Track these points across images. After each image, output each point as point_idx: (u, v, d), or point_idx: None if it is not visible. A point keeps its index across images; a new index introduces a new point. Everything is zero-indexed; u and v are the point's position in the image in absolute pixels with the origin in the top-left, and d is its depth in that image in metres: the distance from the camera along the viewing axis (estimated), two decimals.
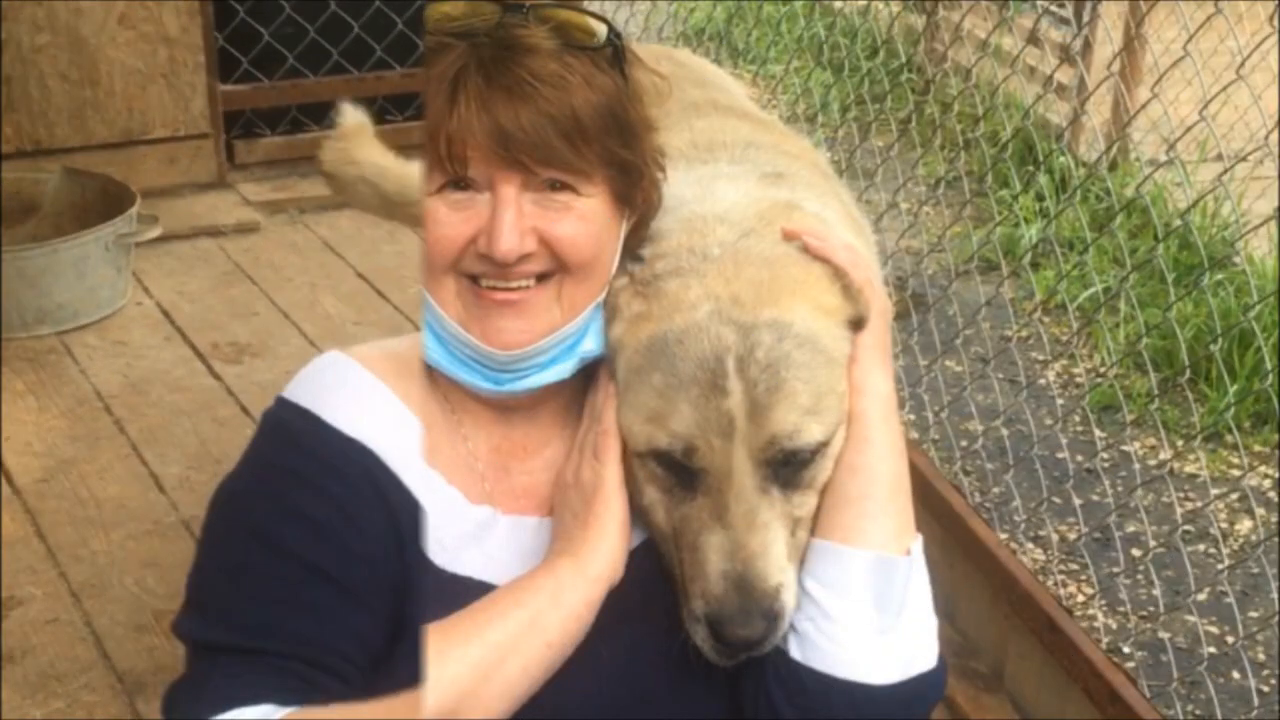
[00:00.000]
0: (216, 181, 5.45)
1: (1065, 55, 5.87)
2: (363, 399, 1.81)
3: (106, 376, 4.34)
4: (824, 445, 1.82)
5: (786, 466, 1.81)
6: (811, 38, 6.63)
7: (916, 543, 1.87)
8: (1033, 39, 5.08)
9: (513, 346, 1.78)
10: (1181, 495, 4.57)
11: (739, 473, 1.78)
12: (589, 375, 1.91)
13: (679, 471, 1.81)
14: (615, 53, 1.81)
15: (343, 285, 4.95)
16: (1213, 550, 4.45)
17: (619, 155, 1.79)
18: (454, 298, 1.78)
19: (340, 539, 1.72)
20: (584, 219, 1.77)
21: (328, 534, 1.71)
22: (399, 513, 1.76)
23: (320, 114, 5.49)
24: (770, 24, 7.11)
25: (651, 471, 1.83)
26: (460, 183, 1.74)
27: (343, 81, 5.56)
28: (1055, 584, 4.06)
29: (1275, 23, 3.08)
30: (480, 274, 1.76)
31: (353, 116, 3.13)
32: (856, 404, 1.86)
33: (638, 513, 1.87)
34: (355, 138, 3.10)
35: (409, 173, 3.01)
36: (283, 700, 1.63)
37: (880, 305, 1.90)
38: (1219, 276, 5.13)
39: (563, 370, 1.84)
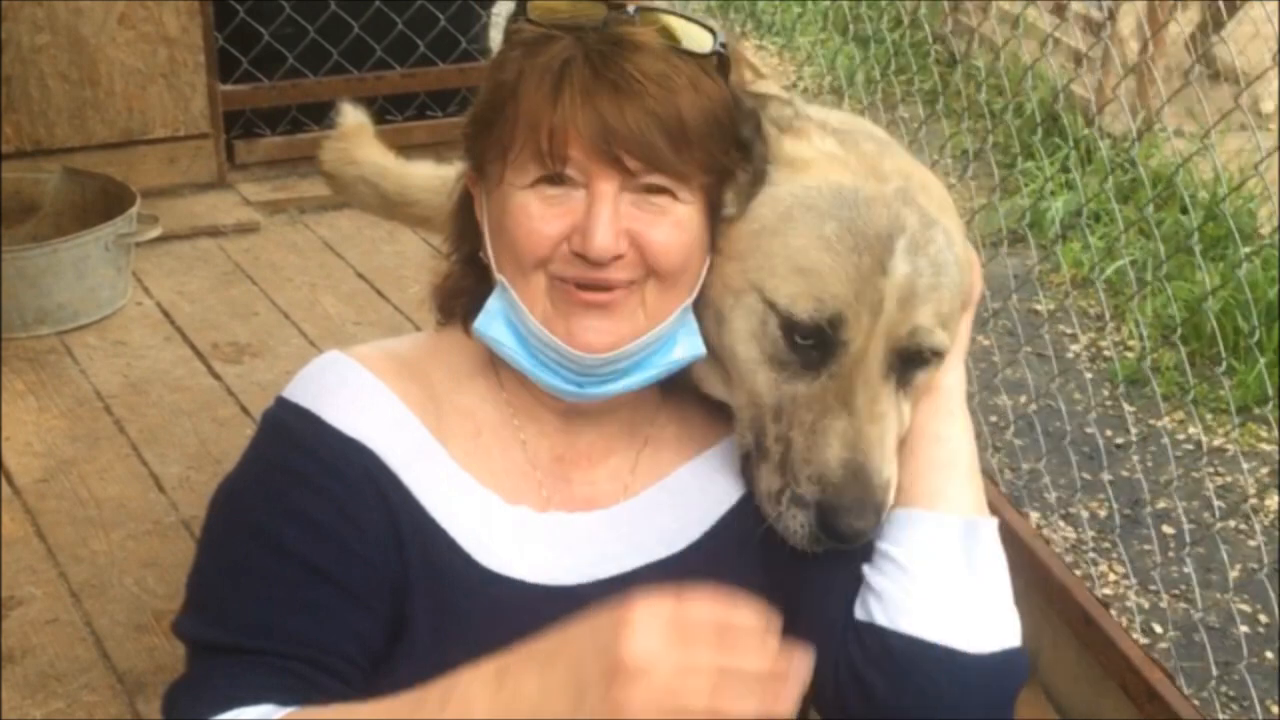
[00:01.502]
0: (216, 181, 5.45)
1: (1088, 26, 5.85)
2: (363, 399, 1.80)
3: (106, 376, 4.36)
4: (939, 358, 1.83)
5: (908, 364, 1.81)
6: (838, 11, 6.67)
7: (990, 523, 1.84)
8: (1058, 10, 5.19)
9: (598, 349, 1.75)
10: (1211, 470, 4.53)
11: (873, 358, 1.78)
12: (662, 388, 1.91)
13: (804, 347, 1.79)
14: (721, 61, 1.81)
15: (343, 285, 4.97)
16: (1244, 526, 4.38)
17: (720, 161, 1.78)
18: (542, 295, 1.76)
19: (340, 539, 1.70)
20: (679, 226, 1.75)
21: (327, 534, 1.70)
22: (399, 513, 1.75)
23: (320, 114, 5.49)
24: None
25: (770, 335, 1.79)
26: (557, 178, 1.72)
27: (343, 81, 5.56)
28: (1087, 562, 4.03)
29: None
30: (569, 279, 1.74)
31: (353, 116, 3.13)
32: (943, 377, 1.86)
33: (728, 356, 1.84)
34: (355, 138, 3.10)
35: (409, 173, 3.01)
36: (283, 700, 1.62)
37: (979, 292, 1.92)
38: (1246, 249, 5.03)
39: (645, 378, 1.82)
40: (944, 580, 1.78)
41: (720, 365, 1.86)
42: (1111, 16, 5.54)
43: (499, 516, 1.81)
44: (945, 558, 1.78)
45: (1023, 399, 4.52)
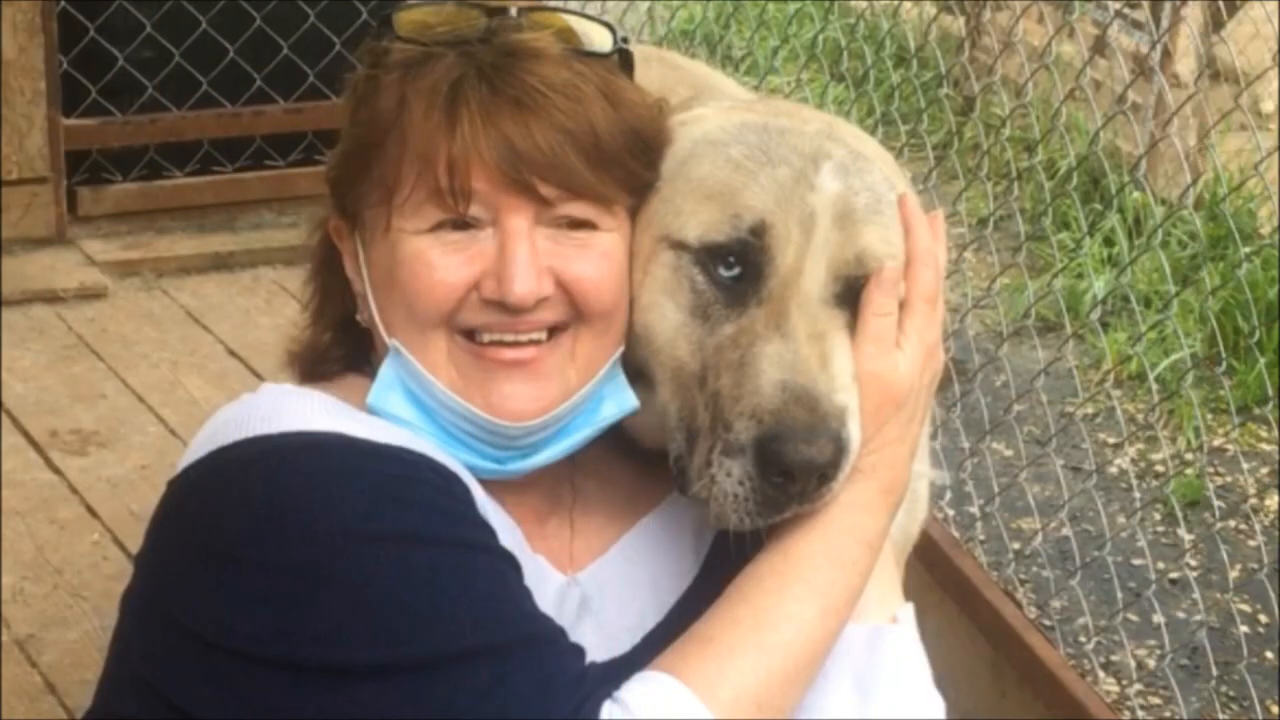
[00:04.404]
0: (55, 237, 5.41)
1: (1139, 66, 5.90)
2: (375, 425, 1.86)
3: None
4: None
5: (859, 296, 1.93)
6: (827, 43, 6.80)
7: (905, 610, 1.96)
8: (1099, 47, 5.35)
9: (523, 416, 1.83)
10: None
11: (809, 279, 1.87)
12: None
13: (727, 281, 1.88)
14: (625, 59, 1.90)
15: (210, 363, 4.93)
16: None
17: (643, 178, 1.87)
18: (446, 360, 1.83)
19: (474, 519, 1.81)
20: (607, 257, 1.84)
21: (455, 512, 1.81)
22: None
23: (184, 156, 5.46)
24: (775, 26, 7.12)
25: (687, 280, 1.89)
26: (460, 222, 1.80)
27: (213, 117, 5.54)
28: None
29: None
30: (480, 326, 1.81)
31: None
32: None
33: (650, 351, 1.94)
34: None
35: None
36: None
37: (925, 290, 1.98)
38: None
39: (575, 442, 1.90)
40: (825, 703, 1.87)
41: (643, 376, 1.96)
42: (1167, 54, 5.76)
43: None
44: (829, 675, 1.88)
45: (1054, 523, 4.56)
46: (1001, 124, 5.83)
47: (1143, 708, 4.25)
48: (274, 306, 5.16)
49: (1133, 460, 5.36)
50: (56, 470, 4.34)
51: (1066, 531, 4.33)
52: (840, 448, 1.84)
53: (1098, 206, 6.18)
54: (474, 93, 1.79)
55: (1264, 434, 5.21)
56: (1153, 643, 4.45)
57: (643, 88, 1.96)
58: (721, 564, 1.96)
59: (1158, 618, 4.28)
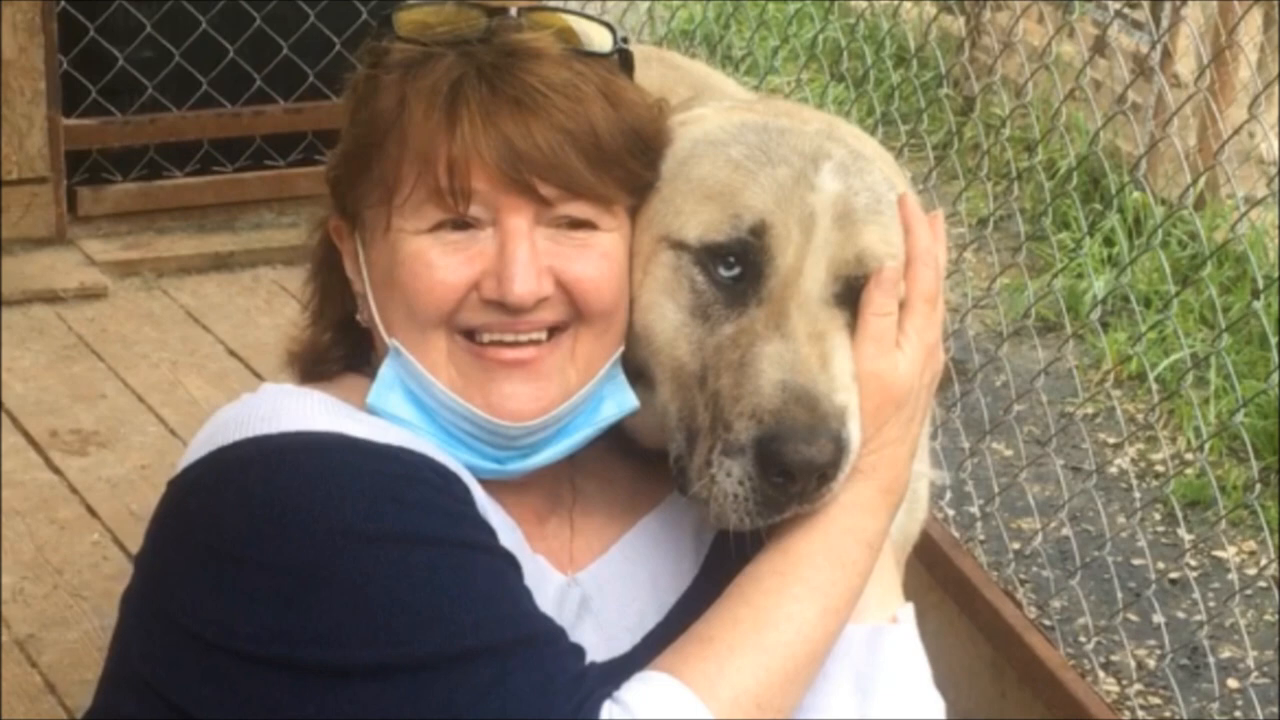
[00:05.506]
0: (55, 237, 5.41)
1: (1139, 67, 5.87)
2: (375, 424, 1.87)
3: None
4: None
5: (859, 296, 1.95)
6: (827, 43, 6.77)
7: (905, 610, 1.98)
8: (1099, 47, 5.32)
9: (523, 416, 1.84)
10: None
11: (809, 279, 1.89)
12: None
13: (727, 281, 1.90)
14: (625, 59, 1.91)
15: (210, 364, 4.93)
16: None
17: (643, 179, 1.88)
18: (446, 360, 1.84)
19: (473, 519, 1.83)
20: (607, 257, 1.86)
21: (455, 512, 1.81)
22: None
23: (184, 156, 5.45)
24: (775, 26, 7.10)
25: (687, 280, 1.90)
26: (460, 222, 1.81)
27: (213, 117, 5.55)
28: None
29: None
30: (480, 326, 1.83)
31: None
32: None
33: (650, 351, 1.94)
34: None
35: None
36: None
37: (925, 290, 2.00)
38: None
39: (575, 442, 1.92)
40: (825, 705, 1.89)
41: (643, 376, 1.98)
42: (1168, 55, 5.65)
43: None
44: (829, 676, 1.90)
45: (1054, 523, 4.55)
46: (1001, 124, 5.77)
47: (1143, 708, 4.24)
48: (274, 306, 5.17)
49: (1133, 460, 5.35)
50: (56, 470, 4.34)
51: (1066, 531, 4.32)
52: (840, 448, 1.86)
53: (1098, 206, 6.17)
54: (474, 93, 1.80)
55: None
56: (1153, 643, 4.44)
57: (643, 88, 1.97)
58: (721, 564, 1.97)
59: (1158, 618, 4.27)
